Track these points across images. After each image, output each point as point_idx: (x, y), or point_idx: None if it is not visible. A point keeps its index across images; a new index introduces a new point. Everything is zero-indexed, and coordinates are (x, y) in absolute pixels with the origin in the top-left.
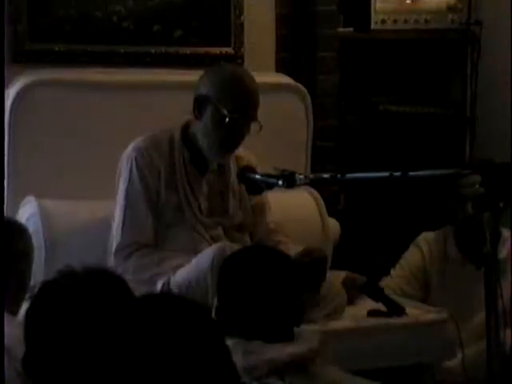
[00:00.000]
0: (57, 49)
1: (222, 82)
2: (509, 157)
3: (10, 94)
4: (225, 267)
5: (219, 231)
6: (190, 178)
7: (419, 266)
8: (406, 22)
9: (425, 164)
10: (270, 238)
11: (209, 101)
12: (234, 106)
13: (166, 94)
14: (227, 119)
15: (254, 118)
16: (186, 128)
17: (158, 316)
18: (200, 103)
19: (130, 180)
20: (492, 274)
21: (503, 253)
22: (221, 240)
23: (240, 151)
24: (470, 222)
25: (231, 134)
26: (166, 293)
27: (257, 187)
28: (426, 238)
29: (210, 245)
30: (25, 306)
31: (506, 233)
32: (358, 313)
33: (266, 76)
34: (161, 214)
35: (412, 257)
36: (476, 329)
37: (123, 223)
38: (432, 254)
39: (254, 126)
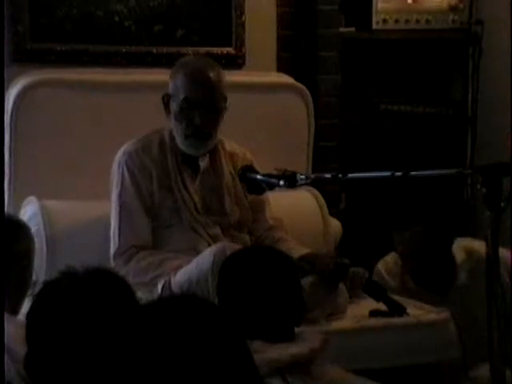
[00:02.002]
0: (58, 48)
1: (176, 73)
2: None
3: (11, 93)
4: (225, 268)
5: (217, 230)
6: (184, 177)
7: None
8: (407, 21)
9: (426, 164)
10: (269, 235)
11: (170, 96)
12: (187, 90)
13: None
14: (182, 105)
15: (213, 103)
16: None
17: (165, 318)
18: (167, 101)
19: (122, 184)
20: (493, 275)
21: (462, 278)
22: (220, 239)
23: (234, 148)
24: (421, 253)
25: (195, 122)
26: (184, 295)
27: (258, 187)
28: (378, 275)
29: (210, 244)
30: (26, 305)
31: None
32: (360, 312)
33: (267, 76)
34: (157, 216)
35: None
36: None
37: (119, 228)
38: (391, 286)
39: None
